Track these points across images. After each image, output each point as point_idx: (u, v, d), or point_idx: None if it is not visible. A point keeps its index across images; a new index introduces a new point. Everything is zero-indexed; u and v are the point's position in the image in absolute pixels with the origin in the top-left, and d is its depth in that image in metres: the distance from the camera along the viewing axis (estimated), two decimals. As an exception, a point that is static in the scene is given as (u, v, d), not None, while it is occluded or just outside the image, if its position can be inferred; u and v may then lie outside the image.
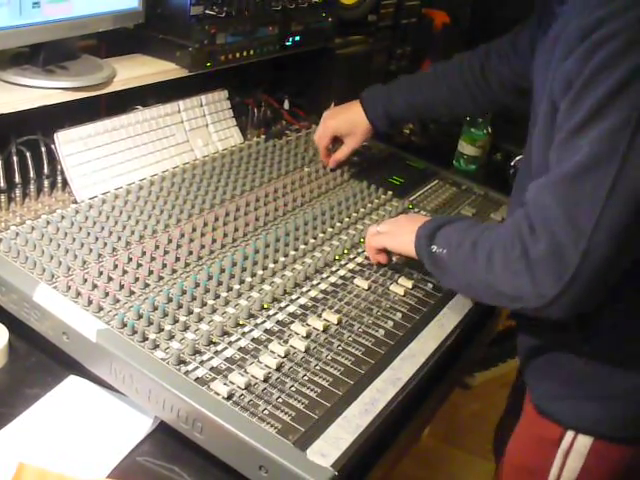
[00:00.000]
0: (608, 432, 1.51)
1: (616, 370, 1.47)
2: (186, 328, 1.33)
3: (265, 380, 1.25)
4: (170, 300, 1.39)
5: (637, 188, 1.20)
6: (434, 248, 1.47)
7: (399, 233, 1.60)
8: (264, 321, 1.40)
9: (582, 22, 1.25)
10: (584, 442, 1.52)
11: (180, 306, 1.38)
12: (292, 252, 1.63)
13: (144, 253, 1.52)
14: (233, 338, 1.33)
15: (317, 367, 1.31)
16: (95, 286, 1.39)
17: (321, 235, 1.73)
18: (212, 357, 1.28)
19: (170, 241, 1.59)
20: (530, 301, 1.29)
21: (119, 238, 1.55)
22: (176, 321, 1.34)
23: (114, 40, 1.93)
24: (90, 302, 1.34)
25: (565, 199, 1.24)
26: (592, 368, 1.48)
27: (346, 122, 2.07)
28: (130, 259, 1.49)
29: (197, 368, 1.24)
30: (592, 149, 1.22)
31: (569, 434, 1.52)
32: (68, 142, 1.68)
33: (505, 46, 1.91)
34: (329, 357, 1.34)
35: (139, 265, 1.48)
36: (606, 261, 1.23)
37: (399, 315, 1.51)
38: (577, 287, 1.24)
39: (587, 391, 1.50)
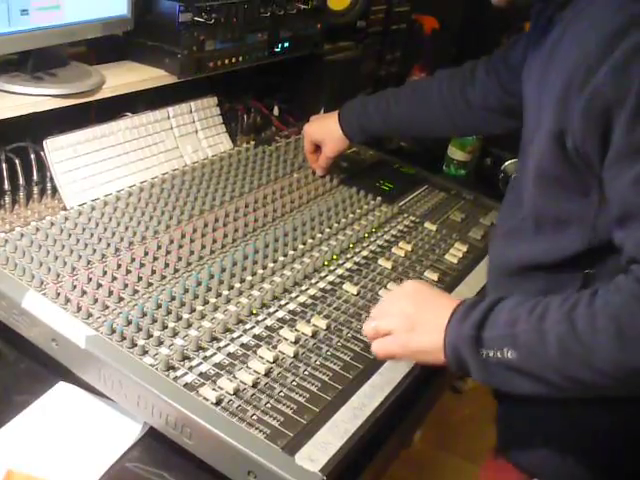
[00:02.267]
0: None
1: (592, 423, 1.34)
2: (175, 334, 1.33)
3: (254, 385, 1.25)
4: (159, 306, 1.39)
5: None
6: (487, 353, 1.14)
7: (412, 334, 1.24)
8: (253, 327, 1.40)
9: (600, 34, 1.11)
10: None
11: (169, 312, 1.38)
12: (281, 258, 1.64)
13: (133, 259, 1.52)
14: (222, 344, 1.34)
15: (306, 372, 1.31)
16: (84, 292, 1.39)
17: (310, 241, 1.74)
18: (201, 363, 1.28)
19: (159, 247, 1.59)
20: None
21: (108, 245, 1.55)
22: (165, 327, 1.34)
23: (103, 47, 1.94)
24: (79, 308, 1.34)
25: None
26: (552, 418, 1.38)
27: (322, 130, 2.08)
28: (119, 265, 1.49)
29: (186, 374, 1.25)
30: None
31: None
32: (57, 149, 1.69)
33: (495, 61, 1.82)
34: (318, 362, 1.34)
35: (128, 271, 1.49)
36: None
37: (388, 320, 1.51)
38: None
39: (546, 440, 1.39)
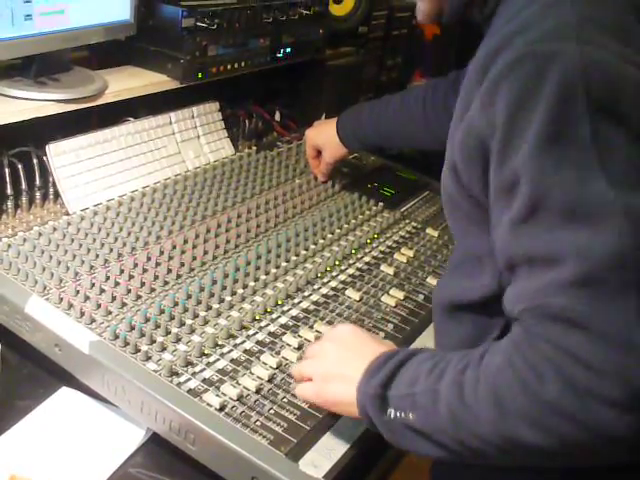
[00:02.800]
0: None
1: None
2: (178, 340, 1.33)
3: (257, 391, 1.25)
4: (162, 312, 1.39)
5: None
6: (392, 413, 1.06)
7: (328, 384, 1.17)
8: (256, 333, 1.40)
9: (479, 60, 1.04)
10: None
11: (172, 318, 1.38)
12: (284, 264, 1.64)
13: (136, 265, 1.52)
14: (225, 350, 1.34)
15: (309, 378, 1.31)
16: (87, 298, 1.39)
17: (312, 247, 1.74)
18: (204, 369, 1.28)
19: (162, 253, 1.59)
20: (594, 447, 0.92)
21: (111, 250, 1.55)
22: (168, 333, 1.34)
23: (106, 52, 1.94)
24: (82, 314, 1.34)
25: (591, 306, 0.89)
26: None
27: (321, 135, 2.09)
28: (122, 271, 1.49)
29: (189, 380, 1.24)
30: (585, 220, 0.91)
31: None
32: (60, 154, 1.69)
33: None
34: (321, 368, 1.34)
35: (131, 277, 1.49)
36: None
37: (390, 326, 1.51)
38: None
39: None
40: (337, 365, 1.17)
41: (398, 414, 1.05)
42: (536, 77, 0.93)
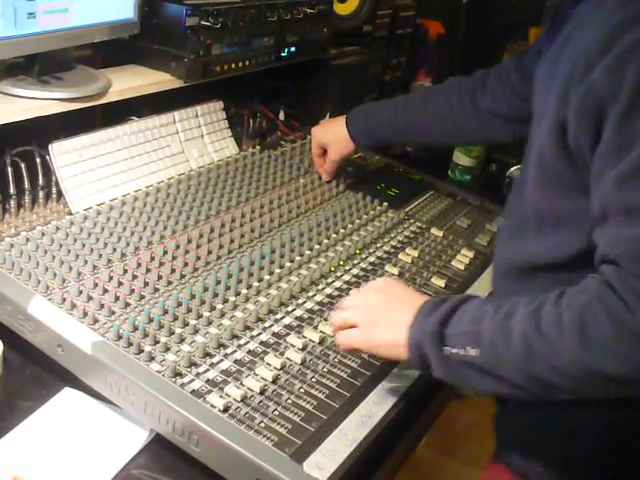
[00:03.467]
0: None
1: (590, 429, 1.30)
2: (182, 340, 1.33)
3: (261, 393, 1.24)
4: (166, 312, 1.38)
5: None
6: (450, 350, 1.14)
7: (376, 329, 1.26)
8: (260, 333, 1.39)
9: (601, 31, 1.12)
10: None
11: (176, 318, 1.37)
12: (288, 264, 1.63)
13: (139, 265, 1.52)
14: (229, 350, 1.33)
15: (313, 379, 1.31)
16: (90, 298, 1.38)
17: (317, 247, 1.73)
18: (208, 369, 1.27)
19: (165, 253, 1.58)
20: None
21: (114, 250, 1.55)
22: (172, 333, 1.33)
23: (109, 51, 1.93)
24: (85, 314, 1.33)
25: None
26: (547, 422, 1.34)
27: (328, 132, 2.08)
28: (125, 271, 1.49)
29: (193, 380, 1.24)
30: None
31: None
32: (63, 153, 1.68)
33: (508, 67, 1.80)
34: (325, 369, 1.34)
35: (134, 277, 1.48)
36: None
37: (395, 326, 1.50)
38: None
39: (540, 444, 1.36)
40: (384, 311, 1.26)
41: (458, 351, 1.13)
42: None
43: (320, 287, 1.58)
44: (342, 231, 1.83)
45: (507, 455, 1.43)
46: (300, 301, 1.52)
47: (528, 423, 1.38)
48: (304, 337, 1.41)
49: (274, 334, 1.40)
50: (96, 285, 1.42)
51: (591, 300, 1.05)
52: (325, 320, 1.47)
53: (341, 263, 1.69)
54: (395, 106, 1.99)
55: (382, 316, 1.26)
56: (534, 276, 1.34)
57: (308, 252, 1.70)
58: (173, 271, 1.52)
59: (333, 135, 2.06)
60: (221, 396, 1.21)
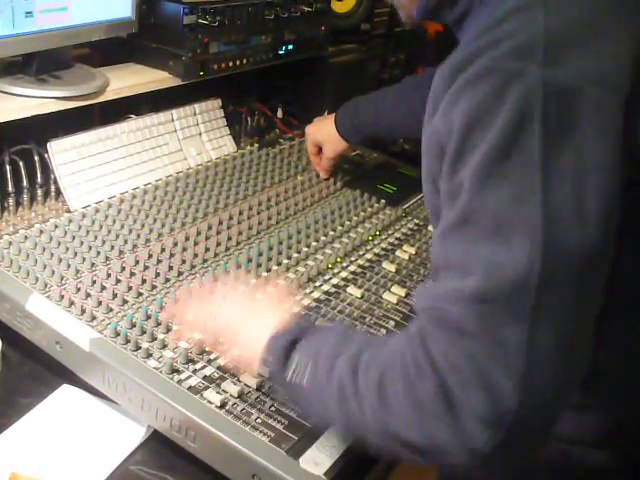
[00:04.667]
0: None
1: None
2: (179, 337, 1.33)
3: (258, 389, 1.25)
4: (163, 309, 1.39)
5: (567, 257, 0.91)
6: (290, 373, 1.10)
7: (237, 337, 1.23)
8: (257, 330, 1.40)
9: (448, 64, 1.04)
10: None
11: (173, 315, 1.38)
12: (285, 260, 1.64)
13: (137, 262, 1.52)
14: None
15: (310, 375, 1.31)
16: (88, 295, 1.39)
17: (314, 243, 1.73)
18: (205, 366, 1.28)
19: (163, 250, 1.59)
20: (455, 456, 0.93)
21: (112, 247, 1.55)
22: (169, 330, 1.34)
23: (107, 49, 1.94)
24: (83, 311, 1.34)
25: (480, 323, 0.92)
26: None
27: (321, 131, 2.09)
28: (123, 268, 1.49)
29: (190, 377, 1.24)
30: (504, 241, 0.91)
31: None
32: (61, 151, 1.69)
33: None
34: (322, 365, 1.34)
35: (132, 274, 1.49)
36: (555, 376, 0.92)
37: (392, 323, 1.51)
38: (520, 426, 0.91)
39: None
40: (245, 325, 1.21)
41: (295, 375, 1.08)
42: (496, 94, 0.93)
43: (317, 284, 1.59)
44: (340, 228, 1.83)
45: None
46: (298, 297, 1.52)
47: None
48: (301, 334, 1.41)
49: (271, 331, 1.40)
50: (94, 282, 1.43)
51: (394, 356, 0.99)
52: (323, 317, 1.47)
53: (338, 260, 1.69)
54: (376, 102, 2.00)
55: (245, 329, 1.22)
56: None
57: (306, 249, 1.70)
58: (171, 268, 1.53)
59: (326, 133, 2.06)
60: (218, 392, 1.22)
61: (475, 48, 0.99)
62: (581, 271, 0.91)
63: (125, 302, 1.40)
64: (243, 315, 1.23)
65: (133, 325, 1.33)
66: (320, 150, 2.10)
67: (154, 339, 1.31)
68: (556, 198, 0.90)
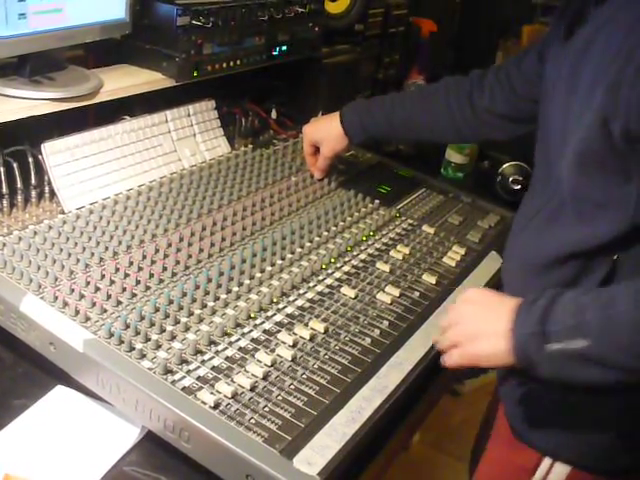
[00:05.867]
0: (587, 462, 1.42)
1: (603, 398, 1.34)
2: (173, 337, 1.33)
3: (252, 389, 1.25)
4: (157, 310, 1.39)
5: None
6: (554, 347, 1.14)
7: (475, 344, 1.26)
8: (251, 330, 1.40)
9: None
10: (561, 471, 1.44)
11: (167, 316, 1.38)
12: (279, 261, 1.64)
13: (131, 263, 1.52)
14: (220, 347, 1.34)
15: (304, 376, 1.31)
16: (82, 296, 1.39)
17: (308, 244, 1.74)
18: (199, 366, 1.28)
19: (157, 251, 1.59)
20: None
21: (106, 248, 1.55)
22: (163, 331, 1.34)
23: (101, 50, 1.94)
24: (77, 312, 1.34)
25: None
26: (572, 397, 1.37)
27: (321, 129, 2.09)
28: (117, 269, 1.49)
29: (184, 377, 1.25)
30: None
31: (546, 462, 1.45)
32: (55, 153, 1.69)
33: (507, 66, 1.81)
34: (316, 366, 1.35)
35: (126, 275, 1.49)
36: None
37: (386, 323, 1.51)
38: None
39: (566, 419, 1.41)
40: (477, 323, 1.26)
41: (564, 345, 1.13)
42: None
43: (311, 284, 1.59)
44: (334, 229, 1.84)
45: (527, 432, 1.47)
46: (291, 298, 1.53)
47: (552, 401, 1.42)
48: (295, 334, 1.41)
49: (265, 331, 1.41)
50: (88, 283, 1.43)
51: None
52: (316, 317, 1.48)
53: (332, 260, 1.69)
54: (392, 103, 1.99)
55: (476, 329, 1.26)
56: (559, 266, 1.36)
57: (300, 250, 1.70)
58: (165, 269, 1.53)
59: (326, 132, 2.06)
60: (212, 393, 1.22)
61: None
62: None
63: (119, 303, 1.40)
64: (474, 312, 1.29)
65: (127, 326, 1.33)
66: (316, 150, 2.10)
67: (148, 340, 1.31)
68: None
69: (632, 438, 1.39)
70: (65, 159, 1.71)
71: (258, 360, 1.32)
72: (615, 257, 1.28)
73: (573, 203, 1.35)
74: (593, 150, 1.26)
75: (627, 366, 1.12)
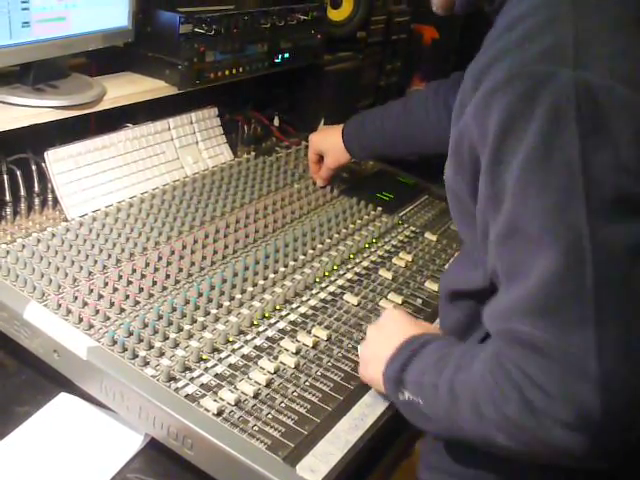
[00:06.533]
0: None
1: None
2: (176, 345, 1.33)
3: (255, 396, 1.25)
4: (160, 317, 1.39)
5: (616, 253, 0.93)
6: (405, 396, 1.18)
7: (368, 366, 1.32)
8: (254, 338, 1.40)
9: (476, 64, 1.08)
10: None
11: (170, 323, 1.38)
12: (282, 269, 1.64)
13: (134, 270, 1.52)
14: (223, 355, 1.34)
15: (307, 383, 1.32)
16: (85, 304, 1.39)
17: (311, 252, 1.74)
18: (202, 374, 1.28)
19: (160, 258, 1.59)
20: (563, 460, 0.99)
21: (109, 256, 1.56)
22: (166, 338, 1.34)
23: (104, 58, 1.94)
24: (81, 320, 1.34)
25: (551, 334, 0.94)
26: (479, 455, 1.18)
27: (326, 140, 2.09)
28: (120, 277, 1.50)
29: (187, 385, 1.25)
30: (555, 247, 0.94)
31: None
32: (58, 160, 1.69)
33: None
34: (318, 373, 1.35)
35: (129, 282, 1.49)
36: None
37: (388, 330, 1.51)
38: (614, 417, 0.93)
39: (470, 473, 1.27)
40: (374, 348, 1.32)
41: (411, 397, 1.17)
42: (529, 98, 0.95)
43: (314, 292, 1.59)
44: (336, 236, 1.84)
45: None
46: (294, 305, 1.53)
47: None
48: (298, 341, 1.42)
49: (268, 338, 1.41)
50: (91, 291, 1.43)
51: (482, 376, 1.03)
52: (319, 325, 1.48)
53: (335, 268, 1.70)
54: (381, 117, 1.99)
55: (371, 354, 1.32)
56: (454, 303, 1.33)
57: (302, 257, 1.71)
58: (168, 277, 1.53)
59: (331, 144, 2.06)
60: (215, 400, 1.22)
61: (500, 49, 1.03)
62: (634, 266, 0.93)
63: (122, 310, 1.40)
64: (376, 337, 1.35)
65: (130, 333, 1.33)
66: (321, 159, 2.10)
67: (151, 347, 1.31)
68: (600, 197, 0.92)
69: None
70: (68, 167, 1.71)
71: (261, 367, 1.32)
72: None
73: (462, 246, 1.35)
74: (451, 187, 1.23)
75: (448, 434, 1.17)
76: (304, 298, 1.56)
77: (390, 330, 1.33)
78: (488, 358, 1.03)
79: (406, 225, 2.00)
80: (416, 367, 1.18)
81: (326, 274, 1.66)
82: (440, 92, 1.88)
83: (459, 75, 1.72)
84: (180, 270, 1.56)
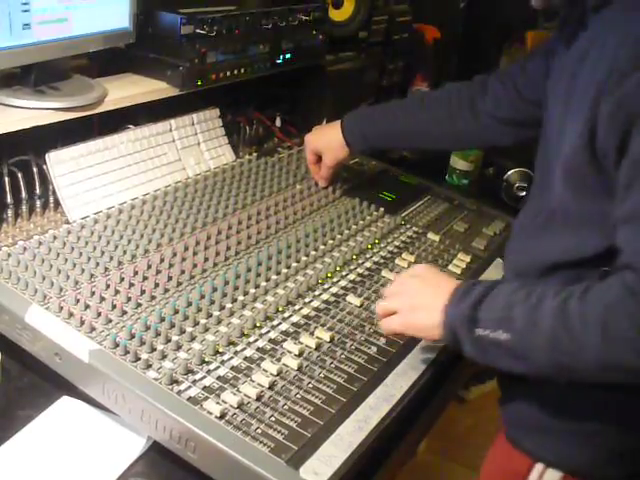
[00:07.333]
0: (578, 470, 1.41)
1: (595, 406, 1.35)
2: (178, 347, 1.33)
3: (258, 399, 1.25)
4: (162, 319, 1.39)
5: None
6: (481, 332, 1.23)
7: (413, 313, 1.36)
8: (256, 339, 1.40)
9: (634, 43, 1.17)
10: (553, 477, 1.42)
11: (172, 325, 1.38)
12: (284, 270, 1.64)
13: (136, 273, 1.52)
14: (225, 357, 1.33)
15: (310, 385, 1.31)
16: (87, 306, 1.39)
17: (313, 252, 1.73)
18: (205, 376, 1.28)
19: (162, 260, 1.59)
20: None
21: (111, 258, 1.55)
22: (168, 340, 1.34)
23: (105, 60, 1.93)
24: (82, 322, 1.34)
25: None
26: (570, 402, 1.37)
27: (322, 138, 2.09)
28: (122, 279, 1.49)
29: (190, 387, 1.24)
30: None
31: (538, 467, 1.43)
32: (60, 162, 1.69)
33: (513, 72, 1.80)
34: (322, 375, 1.34)
35: (131, 285, 1.48)
36: None
37: (392, 331, 1.51)
38: None
39: (560, 428, 1.40)
40: (420, 296, 1.37)
41: (489, 333, 1.21)
42: None
43: (317, 293, 1.59)
44: (339, 237, 1.84)
45: (518, 438, 1.48)
46: (297, 307, 1.52)
47: (540, 403, 1.42)
48: (300, 343, 1.41)
49: (270, 340, 1.41)
50: (93, 293, 1.43)
51: (614, 302, 1.11)
52: (322, 326, 1.48)
53: (338, 269, 1.69)
54: (393, 111, 1.99)
55: (419, 301, 1.36)
56: (548, 275, 1.37)
57: (305, 258, 1.70)
58: (170, 279, 1.53)
59: (327, 141, 2.06)
60: (218, 403, 1.22)
61: None
62: None
63: (124, 313, 1.40)
64: (420, 286, 1.40)
65: (132, 336, 1.33)
66: (319, 159, 2.09)
67: (153, 350, 1.31)
68: None
69: (622, 449, 1.39)
70: (69, 169, 1.71)
71: (264, 369, 1.32)
72: (604, 269, 1.27)
73: (560, 214, 1.36)
74: (578, 163, 1.26)
75: (541, 366, 1.21)
76: (307, 300, 1.56)
77: (435, 280, 1.40)
78: (623, 287, 1.12)
79: (409, 225, 2.00)
80: (494, 304, 1.24)
81: (329, 275, 1.66)
82: (463, 93, 1.89)
83: (483, 78, 1.86)
84: (182, 272, 1.56)
